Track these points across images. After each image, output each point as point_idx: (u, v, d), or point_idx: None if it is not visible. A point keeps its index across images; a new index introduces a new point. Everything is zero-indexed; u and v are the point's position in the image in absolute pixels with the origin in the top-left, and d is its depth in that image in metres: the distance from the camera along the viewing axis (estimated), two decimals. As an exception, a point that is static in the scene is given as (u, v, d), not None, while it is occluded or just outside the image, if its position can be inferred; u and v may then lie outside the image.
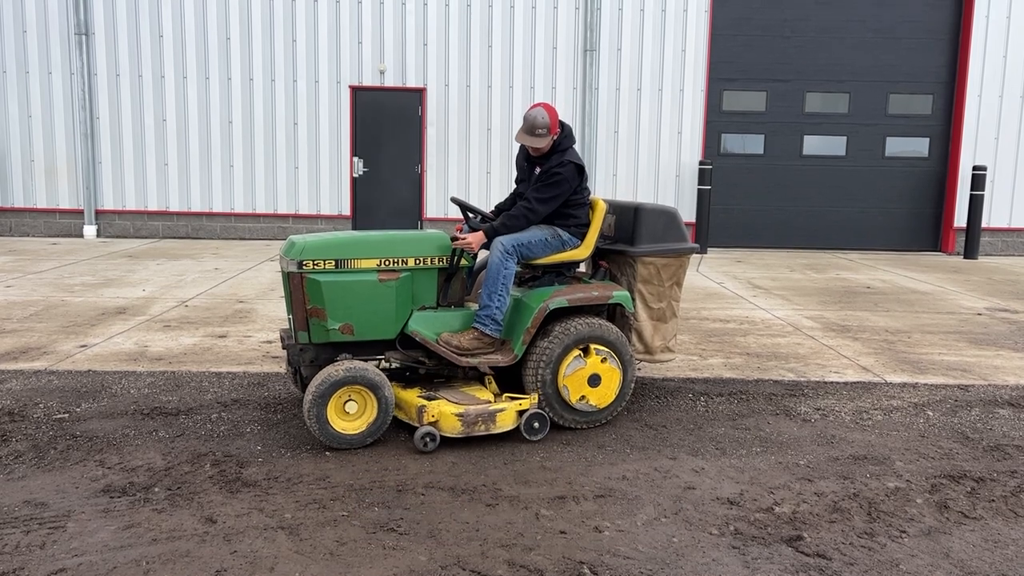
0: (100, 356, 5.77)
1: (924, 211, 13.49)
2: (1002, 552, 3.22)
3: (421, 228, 13.04)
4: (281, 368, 5.56)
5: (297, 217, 13.03)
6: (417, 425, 4.15)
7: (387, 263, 4.34)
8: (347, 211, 13.01)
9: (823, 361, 6.11)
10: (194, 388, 5.11)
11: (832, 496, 3.71)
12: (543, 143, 4.59)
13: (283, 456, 4.04)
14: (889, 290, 9.43)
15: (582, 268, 5.08)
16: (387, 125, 12.97)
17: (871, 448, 4.34)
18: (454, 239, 4.50)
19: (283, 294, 4.29)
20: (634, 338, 4.87)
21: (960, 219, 13.06)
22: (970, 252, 12.67)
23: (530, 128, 4.55)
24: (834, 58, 13.09)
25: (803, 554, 3.16)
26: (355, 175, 12.98)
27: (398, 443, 4.23)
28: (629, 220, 4.84)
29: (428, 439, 4.09)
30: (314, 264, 4.21)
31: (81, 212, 12.80)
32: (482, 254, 4.74)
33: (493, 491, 3.68)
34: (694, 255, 11.84)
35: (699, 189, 12.57)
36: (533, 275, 4.79)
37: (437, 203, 13.03)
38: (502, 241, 4.48)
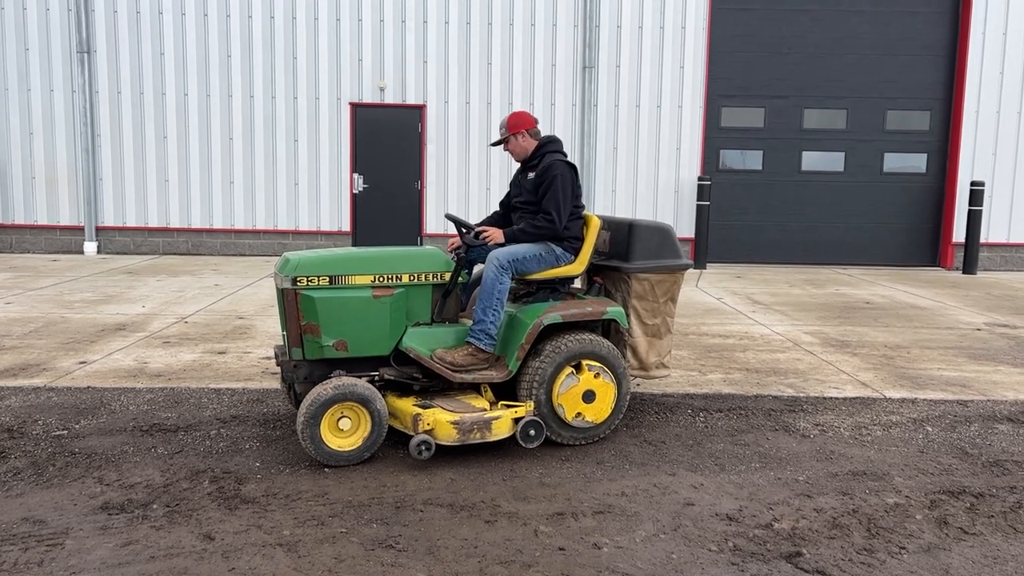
0: (99, 373, 5.77)
1: (923, 226, 13.52)
2: (1002, 568, 3.21)
3: (421, 244, 13.07)
4: (278, 384, 5.56)
5: (297, 233, 13.06)
6: (412, 434, 4.14)
7: (381, 279, 4.35)
8: (347, 227, 13.04)
9: (822, 376, 6.11)
10: (193, 404, 5.10)
11: (831, 512, 3.70)
12: (501, 139, 4.83)
13: (282, 473, 4.03)
14: (888, 305, 9.43)
15: (576, 284, 5.09)
16: (387, 142, 13.02)
17: (870, 464, 4.33)
18: (458, 247, 4.61)
19: (279, 311, 4.35)
20: (629, 354, 4.87)
21: (959, 234, 13.08)
22: (969, 267, 12.69)
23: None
24: (832, 74, 13.16)
25: (802, 570, 3.16)
26: (355, 191, 13.02)
27: (396, 459, 4.23)
28: (624, 236, 4.86)
29: (423, 447, 4.07)
30: (308, 280, 4.22)
31: (82, 228, 12.83)
32: (477, 268, 4.77)
33: (492, 507, 3.67)
34: (692, 271, 11.87)
35: (698, 205, 12.60)
36: (528, 291, 4.80)
37: (437, 219, 13.06)
38: (497, 256, 4.49)
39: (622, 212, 13.05)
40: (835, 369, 6.35)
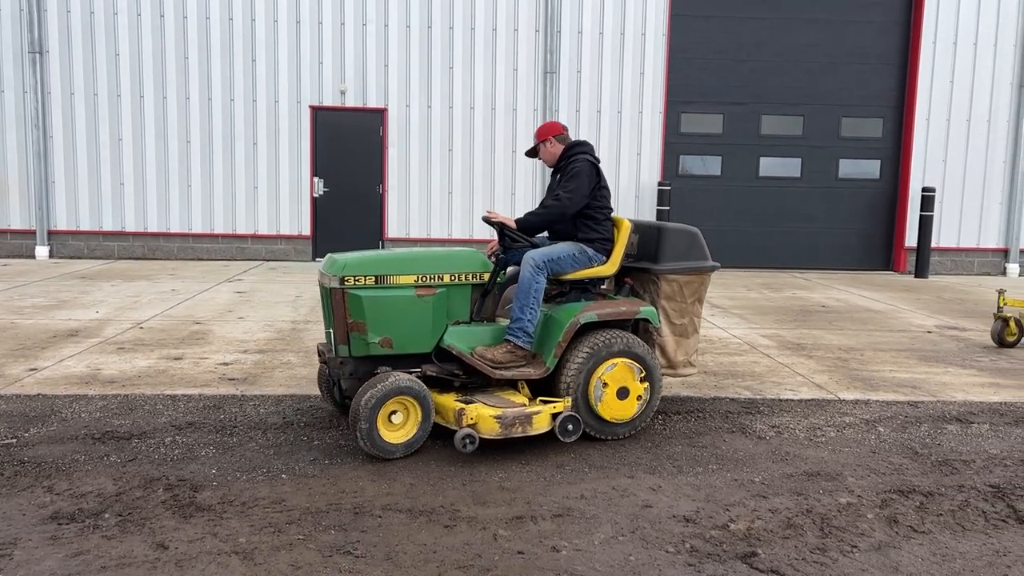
0: (50, 380, 5.65)
1: (876, 231, 13.81)
2: (950, 566, 3.29)
3: (383, 248, 13.00)
4: (237, 391, 5.49)
5: (256, 237, 12.91)
6: (455, 428, 4.25)
7: (424, 279, 4.51)
8: (307, 231, 12.93)
9: (779, 379, 6.21)
10: (147, 411, 5.02)
11: (786, 512, 3.76)
12: (535, 146, 5.14)
13: (238, 480, 3.98)
14: (843, 308, 9.61)
15: (604, 285, 5.24)
16: (348, 145, 12.95)
17: (824, 464, 4.41)
18: (496, 249, 4.84)
19: (320, 309, 4.50)
20: (657, 353, 5.00)
21: (911, 239, 13.39)
22: (921, 271, 12.99)
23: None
24: (788, 82, 13.39)
25: (757, 570, 3.20)
26: (315, 195, 12.92)
27: (356, 465, 4.21)
28: (653, 239, 5.02)
29: (468, 441, 4.18)
30: (355, 280, 4.38)
31: (33, 232, 12.55)
32: (511, 269, 4.98)
33: (451, 512, 3.67)
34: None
35: (658, 210, 12.73)
36: (560, 291, 4.97)
37: (398, 223, 13.02)
38: (533, 256, 4.66)
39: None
40: (791, 371, 6.45)
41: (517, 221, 4.83)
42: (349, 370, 4.52)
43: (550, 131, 5.08)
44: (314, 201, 12.94)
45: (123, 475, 3.99)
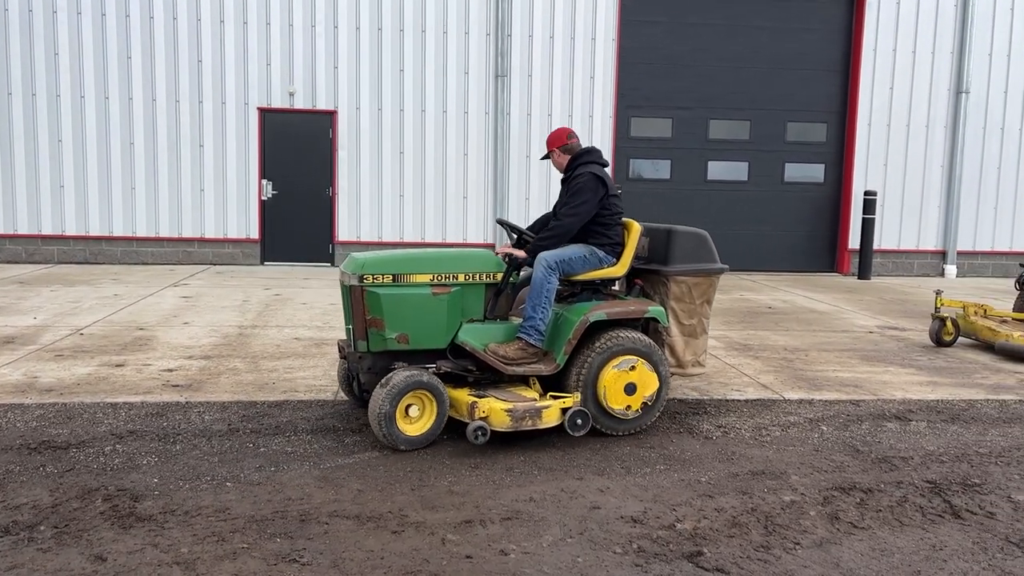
0: (-16, 388, 5.47)
1: (821, 234, 14.12)
2: (888, 560, 3.37)
3: (332, 251, 12.88)
4: (181, 397, 5.38)
5: (203, 241, 12.68)
6: (468, 421, 4.40)
7: (439, 278, 4.69)
8: (256, 234, 12.74)
9: (726, 379, 6.30)
10: (87, 420, 4.88)
11: (731, 511, 3.81)
12: (547, 153, 5.33)
13: (181, 488, 3.90)
14: (789, 310, 9.80)
15: (615, 287, 5.36)
16: (297, 147, 12.80)
17: (769, 463, 4.48)
18: (507, 256, 4.94)
19: (341, 307, 4.66)
20: (667, 352, 5.11)
21: (854, 241, 13.71)
22: (863, 273, 13.31)
23: None
24: (736, 87, 13.62)
25: (703, 569, 3.24)
26: (264, 198, 12.74)
27: (302, 472, 4.15)
28: (662, 241, 5.16)
29: (479, 432, 4.35)
30: (374, 278, 4.57)
31: (-32, 236, 12.16)
32: (526, 271, 5.11)
33: (399, 517, 3.64)
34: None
35: (609, 213, 12.82)
36: (571, 291, 5.11)
37: (349, 226, 12.90)
38: (545, 257, 4.82)
39: (536, 218, 13.12)
40: (738, 372, 6.55)
41: (529, 250, 4.94)
42: (367, 365, 4.69)
43: (555, 143, 5.25)
44: (262, 204, 12.76)
45: (60, 486, 3.87)
